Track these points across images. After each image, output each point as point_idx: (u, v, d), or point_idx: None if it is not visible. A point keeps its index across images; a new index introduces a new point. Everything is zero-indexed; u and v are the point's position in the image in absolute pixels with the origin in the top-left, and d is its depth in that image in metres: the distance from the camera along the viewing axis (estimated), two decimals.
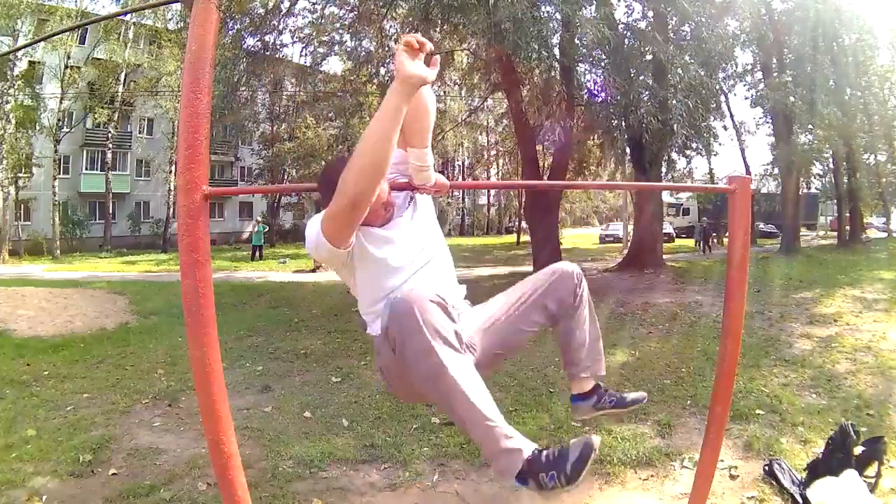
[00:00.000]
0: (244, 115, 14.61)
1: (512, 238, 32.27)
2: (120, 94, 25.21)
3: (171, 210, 26.24)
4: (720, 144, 15.28)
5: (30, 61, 21.61)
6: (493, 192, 42.78)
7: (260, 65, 10.74)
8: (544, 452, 1.17)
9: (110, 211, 25.92)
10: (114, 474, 2.90)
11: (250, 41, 10.45)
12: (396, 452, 3.12)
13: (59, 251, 22.19)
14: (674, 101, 7.97)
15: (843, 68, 13.52)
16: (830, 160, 19.39)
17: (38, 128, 21.66)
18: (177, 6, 10.09)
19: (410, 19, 10.11)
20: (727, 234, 1.58)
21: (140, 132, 28.16)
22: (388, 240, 1.54)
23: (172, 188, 26.05)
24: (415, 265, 1.54)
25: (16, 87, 20.96)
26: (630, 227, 17.70)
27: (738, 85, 15.21)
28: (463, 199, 40.71)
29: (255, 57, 10.50)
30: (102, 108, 24.34)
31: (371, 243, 1.55)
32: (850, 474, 2.49)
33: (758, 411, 3.56)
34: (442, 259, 1.58)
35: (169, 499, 2.62)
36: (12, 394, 4.30)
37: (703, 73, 8.24)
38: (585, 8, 7.77)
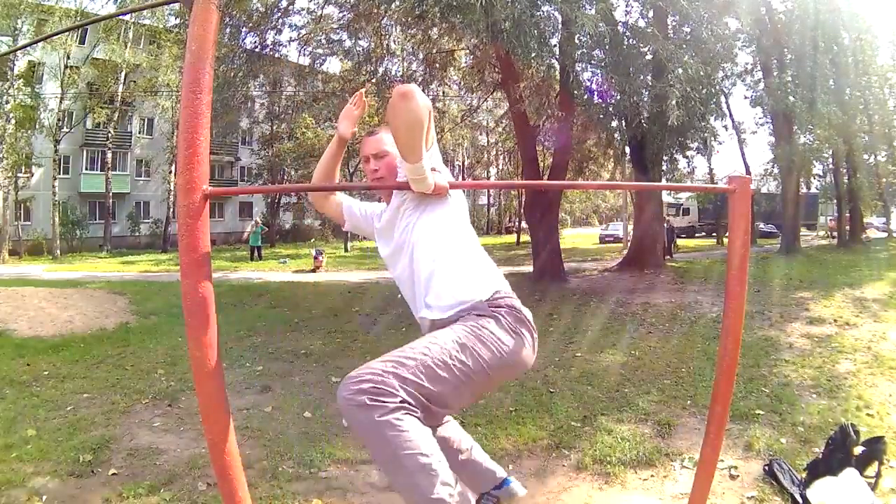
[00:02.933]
0: (240, 114, 14.56)
1: (512, 238, 32.26)
2: (120, 94, 25.21)
3: (171, 210, 26.23)
4: (720, 143, 15.25)
5: (29, 61, 21.58)
6: (493, 192, 42.72)
7: (257, 63, 10.71)
8: None
9: (110, 211, 25.91)
10: (114, 474, 2.90)
11: (249, 40, 10.44)
12: None
13: (58, 251, 22.19)
14: (673, 101, 7.96)
15: (843, 68, 13.47)
16: (830, 160, 19.39)
17: (37, 128, 21.64)
18: (176, 6, 10.07)
19: (405, 18, 10.08)
20: (727, 234, 1.58)
21: (140, 132, 28.19)
22: (379, 232, 1.69)
23: (172, 188, 26.04)
24: (398, 273, 1.59)
25: (16, 87, 20.95)
26: (630, 227, 17.68)
27: (738, 85, 15.19)
28: None
29: (253, 56, 10.48)
30: (102, 108, 24.34)
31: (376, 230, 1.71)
32: (850, 474, 2.49)
33: (758, 411, 3.56)
34: (423, 272, 1.49)
35: (169, 499, 2.62)
36: (12, 394, 4.29)
37: (702, 72, 8.23)
38: (585, 7, 7.74)
